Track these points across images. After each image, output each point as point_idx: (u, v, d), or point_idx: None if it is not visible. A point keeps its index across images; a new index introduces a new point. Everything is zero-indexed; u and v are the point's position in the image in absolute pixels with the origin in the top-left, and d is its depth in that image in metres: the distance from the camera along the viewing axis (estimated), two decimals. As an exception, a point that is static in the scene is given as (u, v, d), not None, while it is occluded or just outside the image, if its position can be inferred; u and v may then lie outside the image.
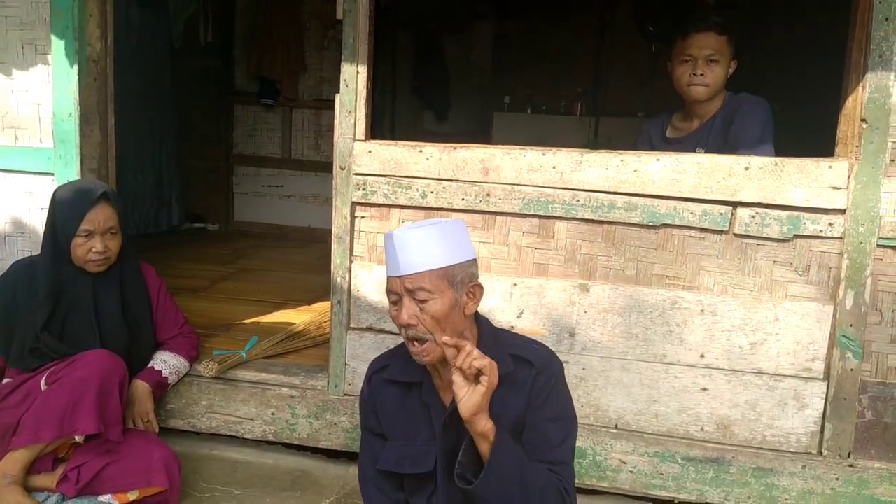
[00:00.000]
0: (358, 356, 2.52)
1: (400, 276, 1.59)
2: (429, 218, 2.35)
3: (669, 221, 2.27)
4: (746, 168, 2.22)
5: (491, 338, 1.72)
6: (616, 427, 2.39)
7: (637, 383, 2.35)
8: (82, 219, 2.24)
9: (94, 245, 2.27)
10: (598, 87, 5.92)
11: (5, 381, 2.34)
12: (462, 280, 1.62)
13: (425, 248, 1.58)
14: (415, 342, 1.61)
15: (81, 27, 2.55)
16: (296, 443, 2.60)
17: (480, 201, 2.36)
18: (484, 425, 1.52)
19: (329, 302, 3.47)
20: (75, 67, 2.55)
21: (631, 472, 2.38)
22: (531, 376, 1.67)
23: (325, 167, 5.62)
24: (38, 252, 2.54)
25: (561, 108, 5.90)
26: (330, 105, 5.39)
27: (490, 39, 6.18)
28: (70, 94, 2.58)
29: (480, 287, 1.67)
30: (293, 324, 3.11)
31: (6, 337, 2.33)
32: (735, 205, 2.24)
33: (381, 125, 5.38)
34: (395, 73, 5.74)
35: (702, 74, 2.43)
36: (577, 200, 2.31)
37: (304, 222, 5.67)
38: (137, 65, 4.43)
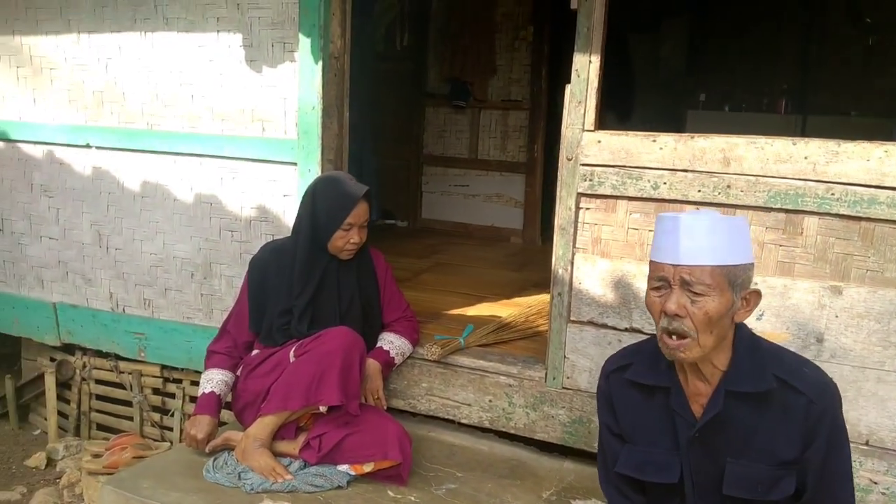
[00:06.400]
0: (577, 350, 2.49)
1: (677, 265, 1.49)
2: (661, 211, 2.27)
3: (943, 219, 2.04)
4: None
5: (748, 348, 1.57)
6: (867, 443, 2.18)
7: (894, 397, 2.14)
8: (349, 214, 2.39)
9: (352, 237, 2.43)
10: (806, 84, 5.51)
11: (254, 352, 2.54)
12: (742, 283, 1.51)
13: (713, 239, 1.48)
14: (673, 336, 1.51)
15: (326, 25, 2.72)
16: (511, 432, 2.61)
17: (719, 193, 2.25)
18: None
19: (532, 297, 3.52)
20: (319, 63, 2.72)
21: (882, 493, 2.17)
22: (803, 406, 1.51)
23: (510, 167, 5.68)
24: (280, 236, 2.74)
25: (763, 105, 5.53)
26: (517, 105, 5.51)
27: (684, 37, 5.94)
28: (314, 89, 2.76)
29: (758, 294, 1.56)
30: (498, 316, 3.13)
31: (258, 314, 2.52)
32: None
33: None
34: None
35: None
36: (832, 194, 2.13)
37: (488, 221, 5.73)
38: (350, 68, 4.67)
